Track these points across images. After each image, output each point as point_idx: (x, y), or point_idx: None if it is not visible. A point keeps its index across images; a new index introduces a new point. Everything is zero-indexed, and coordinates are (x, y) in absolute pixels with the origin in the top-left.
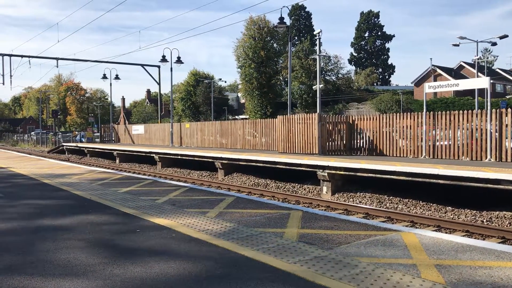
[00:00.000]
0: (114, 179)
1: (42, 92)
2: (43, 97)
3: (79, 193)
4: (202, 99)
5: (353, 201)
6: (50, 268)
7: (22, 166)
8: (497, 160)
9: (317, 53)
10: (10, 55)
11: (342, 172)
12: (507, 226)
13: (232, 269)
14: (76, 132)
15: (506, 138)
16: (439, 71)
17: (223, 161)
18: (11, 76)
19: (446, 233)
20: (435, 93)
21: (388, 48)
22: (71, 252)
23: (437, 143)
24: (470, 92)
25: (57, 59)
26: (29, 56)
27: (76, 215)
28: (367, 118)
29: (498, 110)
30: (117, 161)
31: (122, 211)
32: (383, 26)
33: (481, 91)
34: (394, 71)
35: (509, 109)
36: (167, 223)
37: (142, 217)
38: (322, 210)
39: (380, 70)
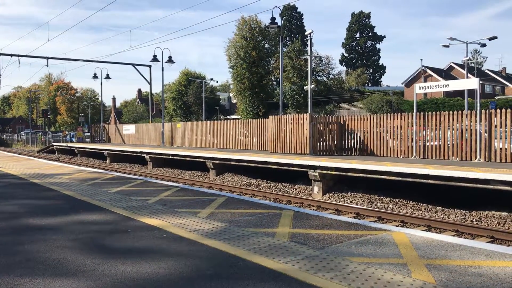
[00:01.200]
0: (104, 179)
1: (32, 92)
2: (33, 97)
3: (69, 193)
4: (194, 99)
5: (344, 201)
6: (39, 268)
7: (12, 166)
8: (487, 160)
9: (309, 53)
10: None
11: (333, 172)
12: (496, 225)
13: (223, 269)
14: (66, 132)
15: (496, 138)
16: (429, 72)
17: (215, 161)
18: (0, 75)
19: (436, 232)
20: (425, 94)
21: (379, 49)
22: (61, 252)
23: (428, 143)
24: (460, 93)
25: (47, 58)
26: (18, 55)
27: (66, 215)
28: (357, 118)
29: (487, 110)
30: (108, 161)
31: (112, 211)
32: (374, 27)
33: (471, 92)
34: (385, 72)
35: (498, 110)
36: (158, 223)
37: (133, 217)
38: (313, 210)
39: (371, 70)
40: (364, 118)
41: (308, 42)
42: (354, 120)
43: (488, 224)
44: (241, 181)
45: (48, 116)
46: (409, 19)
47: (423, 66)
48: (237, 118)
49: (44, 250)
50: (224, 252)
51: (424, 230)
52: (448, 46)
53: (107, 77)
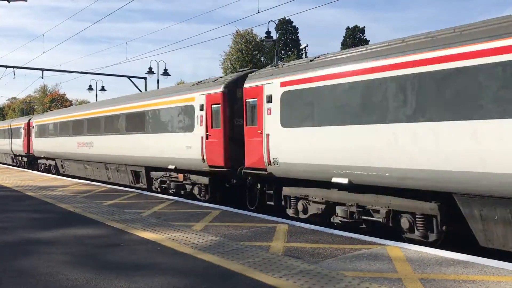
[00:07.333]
0: (98, 192)
1: (26, 103)
2: (27, 108)
3: (63, 206)
4: None
5: None
6: (32, 283)
7: (5, 178)
8: None
9: None
10: None
11: None
12: None
13: (217, 283)
14: None
15: None
16: None
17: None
18: None
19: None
20: None
21: None
22: (54, 266)
23: None
24: None
25: (42, 70)
26: (13, 67)
27: (60, 228)
28: None
29: None
30: None
31: (106, 224)
32: (369, 41)
33: None
34: None
35: None
36: (152, 236)
37: (127, 231)
38: (308, 223)
39: None
40: None
41: (304, 56)
42: None
43: None
44: None
45: None
46: (402, 33)
47: None
48: None
49: (37, 264)
50: (219, 267)
51: (418, 244)
52: None
53: (102, 89)
